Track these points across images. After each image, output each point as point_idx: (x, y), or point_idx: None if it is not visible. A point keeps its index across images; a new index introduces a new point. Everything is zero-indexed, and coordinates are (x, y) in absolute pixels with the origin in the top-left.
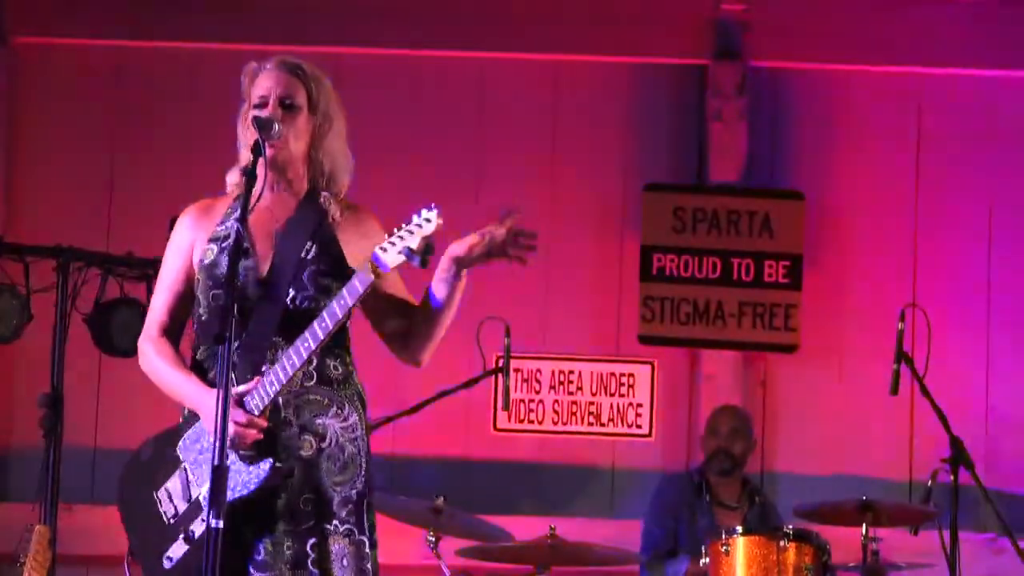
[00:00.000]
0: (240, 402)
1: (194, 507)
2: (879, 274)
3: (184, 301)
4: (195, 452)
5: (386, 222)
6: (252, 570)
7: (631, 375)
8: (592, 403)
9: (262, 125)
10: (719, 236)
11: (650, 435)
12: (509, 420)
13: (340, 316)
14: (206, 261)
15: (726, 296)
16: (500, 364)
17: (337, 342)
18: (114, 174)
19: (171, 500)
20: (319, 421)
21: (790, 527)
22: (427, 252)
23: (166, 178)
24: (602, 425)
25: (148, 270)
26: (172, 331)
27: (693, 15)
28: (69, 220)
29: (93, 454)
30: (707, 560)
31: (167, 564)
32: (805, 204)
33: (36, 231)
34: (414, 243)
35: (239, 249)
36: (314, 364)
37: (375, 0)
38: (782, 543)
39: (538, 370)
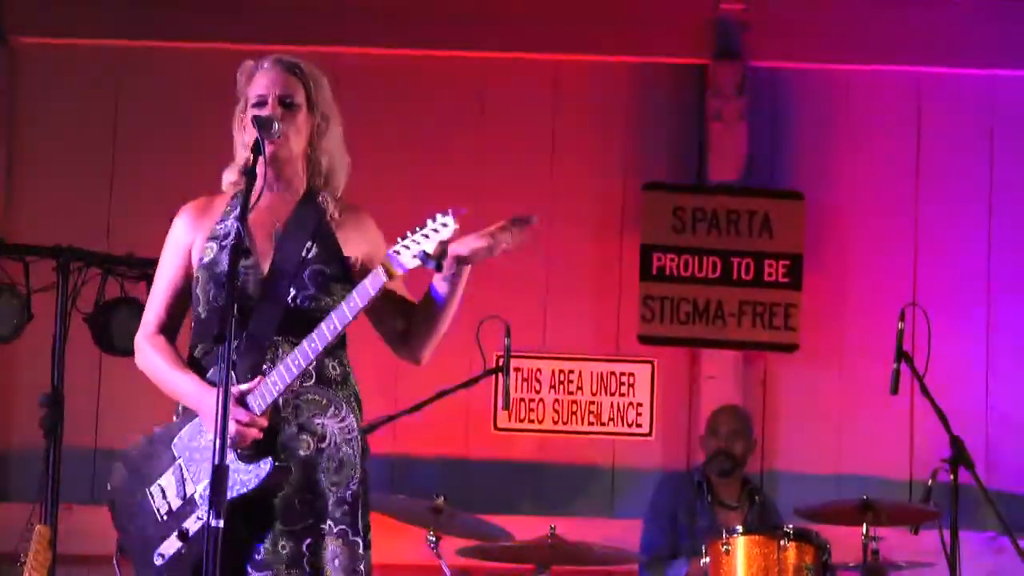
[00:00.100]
0: (242, 401)
1: (188, 504)
2: (879, 274)
3: (182, 299)
4: (191, 449)
5: (386, 222)
6: (250, 569)
7: (631, 375)
8: (592, 403)
9: (262, 124)
10: (719, 236)
11: (650, 435)
12: (509, 420)
13: (350, 318)
14: (205, 259)
15: (726, 296)
16: (500, 364)
17: (336, 343)
18: (114, 174)
19: (164, 496)
20: (318, 421)
21: (790, 527)
22: (442, 256)
23: (166, 178)
24: (602, 425)
25: (148, 270)
26: (169, 328)
27: (693, 15)
28: (69, 220)
29: (93, 454)
30: (707, 560)
31: (158, 561)
32: (805, 204)
33: (36, 231)
34: (430, 247)
35: (240, 248)
36: (314, 364)
37: (375, 0)
38: (782, 542)
39: (538, 370)
